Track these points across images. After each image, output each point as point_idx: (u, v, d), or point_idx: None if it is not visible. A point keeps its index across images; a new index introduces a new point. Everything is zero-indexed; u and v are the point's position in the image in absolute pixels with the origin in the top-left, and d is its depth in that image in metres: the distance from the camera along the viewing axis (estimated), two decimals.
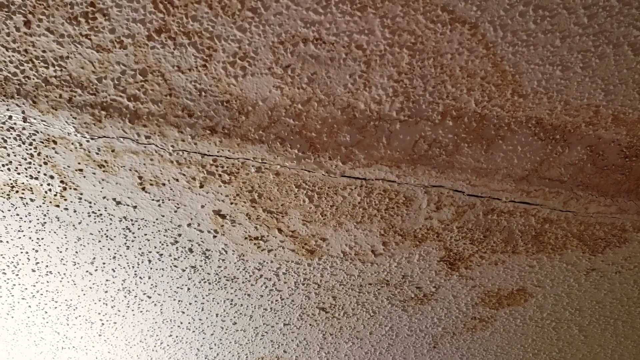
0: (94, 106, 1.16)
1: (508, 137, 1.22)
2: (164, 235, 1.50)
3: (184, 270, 1.63)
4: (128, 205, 1.41)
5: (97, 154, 1.27)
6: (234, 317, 1.84)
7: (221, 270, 1.64)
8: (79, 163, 1.30)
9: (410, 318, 1.86)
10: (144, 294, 1.73)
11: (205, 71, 1.11)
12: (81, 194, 1.38)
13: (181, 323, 1.87)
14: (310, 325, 1.90)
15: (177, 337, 1.94)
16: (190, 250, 1.56)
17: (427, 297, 1.77)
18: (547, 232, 1.47)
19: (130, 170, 1.31)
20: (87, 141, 1.24)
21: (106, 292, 1.71)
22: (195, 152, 1.26)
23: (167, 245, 1.54)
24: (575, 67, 1.09)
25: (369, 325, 1.90)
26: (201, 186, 1.35)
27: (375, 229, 1.47)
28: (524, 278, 1.67)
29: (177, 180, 1.33)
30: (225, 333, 1.93)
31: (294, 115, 1.18)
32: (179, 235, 1.51)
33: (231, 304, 1.78)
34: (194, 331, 1.91)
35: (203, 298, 1.75)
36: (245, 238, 1.52)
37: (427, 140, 1.23)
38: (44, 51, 1.07)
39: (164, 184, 1.34)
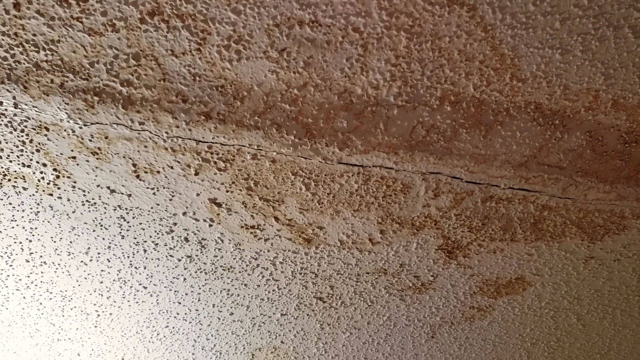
0: (86, 91, 1.14)
1: (507, 123, 1.21)
2: (159, 224, 1.49)
3: (179, 260, 1.62)
4: (122, 193, 1.39)
5: (90, 140, 1.25)
6: (231, 307, 1.83)
7: (217, 260, 1.63)
8: (72, 150, 1.28)
9: (408, 307, 1.86)
10: (140, 284, 1.71)
11: (199, 55, 1.09)
12: (75, 182, 1.36)
13: (177, 314, 1.86)
14: (307, 315, 1.89)
15: (173, 328, 1.93)
16: (186, 239, 1.54)
17: (425, 286, 1.76)
18: (545, 219, 1.46)
19: (124, 157, 1.29)
20: (80, 128, 1.22)
21: (101, 282, 1.70)
22: (189, 139, 1.24)
23: (163, 235, 1.52)
24: (574, 50, 1.07)
25: (367, 315, 1.90)
26: (196, 174, 1.33)
27: (372, 217, 1.46)
28: (522, 266, 1.66)
29: (172, 167, 1.31)
30: (222, 324, 1.92)
31: (289, 101, 1.16)
32: (175, 224, 1.49)
33: (228, 294, 1.77)
34: (190, 322, 1.90)
35: (199, 288, 1.73)
36: (242, 227, 1.50)
37: (425, 126, 1.22)
38: (34, 35, 1.05)
39: (158, 172, 1.33)
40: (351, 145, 1.25)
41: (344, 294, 1.79)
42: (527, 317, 1.92)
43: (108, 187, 1.37)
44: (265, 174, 1.33)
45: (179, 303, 1.80)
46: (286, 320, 1.92)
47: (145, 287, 1.72)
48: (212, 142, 1.25)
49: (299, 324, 1.94)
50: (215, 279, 1.70)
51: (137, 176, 1.34)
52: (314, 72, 1.11)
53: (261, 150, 1.26)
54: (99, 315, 1.85)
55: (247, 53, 1.08)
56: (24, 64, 1.09)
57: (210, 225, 1.50)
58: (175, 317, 1.87)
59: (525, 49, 1.07)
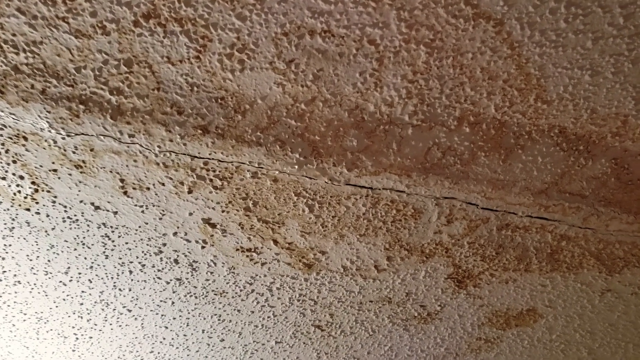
0: (71, 99, 1.04)
1: (528, 147, 1.13)
2: (147, 245, 1.38)
3: (168, 283, 1.50)
4: (108, 210, 1.28)
5: (74, 153, 1.14)
6: (222, 333, 1.71)
7: (209, 284, 1.51)
8: (53, 163, 1.16)
9: (411, 338, 1.75)
10: (124, 307, 1.59)
11: (198, 63, 0.99)
12: (55, 197, 1.25)
13: (164, 339, 1.73)
14: (304, 343, 1.77)
15: (158, 353, 1.80)
16: (176, 261, 1.43)
17: (431, 316, 1.65)
18: (563, 249, 1.37)
19: (111, 172, 1.18)
20: (63, 138, 1.11)
21: (82, 304, 1.57)
22: (184, 154, 1.14)
23: (151, 256, 1.41)
24: (605, 72, 0.99)
25: (367, 344, 1.79)
26: (190, 192, 1.22)
27: (379, 243, 1.36)
28: (535, 298, 1.57)
29: (163, 184, 1.20)
30: (212, 350, 1.79)
31: (296, 116, 1.07)
32: (164, 244, 1.38)
33: (219, 319, 1.65)
34: (177, 347, 1.77)
35: (188, 313, 1.61)
36: (237, 249, 1.40)
37: (441, 148, 1.13)
38: (13, 34, 0.94)
39: (148, 189, 1.22)
40: (360, 165, 1.16)
41: (344, 323, 1.68)
42: (536, 350, 1.82)
43: (92, 204, 1.26)
44: (265, 193, 1.23)
45: (166, 328, 1.67)
46: (281, 349, 1.80)
47: (129, 310, 1.60)
48: (209, 159, 1.14)
49: (294, 352, 1.82)
50: (206, 303, 1.58)
51: (125, 192, 1.23)
52: (323, 86, 1.02)
53: (262, 168, 1.16)
54: (77, 338, 1.71)
55: (251, 63, 0.99)
56: (0, 66, 0.98)
57: (203, 247, 1.39)
58: (161, 342, 1.74)
59: (553, 68, 0.99)
